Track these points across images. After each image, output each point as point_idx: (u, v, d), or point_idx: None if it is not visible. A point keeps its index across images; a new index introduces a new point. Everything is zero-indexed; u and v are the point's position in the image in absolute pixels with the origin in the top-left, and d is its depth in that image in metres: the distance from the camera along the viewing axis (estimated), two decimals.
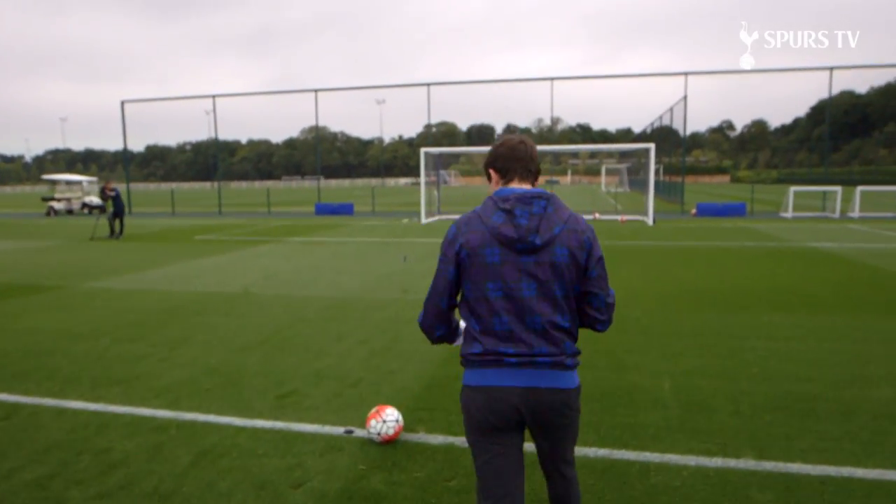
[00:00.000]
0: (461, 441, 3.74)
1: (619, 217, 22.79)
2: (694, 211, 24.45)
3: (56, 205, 30.37)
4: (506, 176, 2.13)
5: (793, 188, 23.90)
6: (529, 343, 2.01)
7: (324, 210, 28.45)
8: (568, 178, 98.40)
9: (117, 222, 17.89)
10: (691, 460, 3.51)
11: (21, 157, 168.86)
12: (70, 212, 30.83)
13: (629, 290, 8.49)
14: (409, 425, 4.00)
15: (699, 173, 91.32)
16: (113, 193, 17.82)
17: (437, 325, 2.18)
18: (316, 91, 31.25)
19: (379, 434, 3.72)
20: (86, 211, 31.12)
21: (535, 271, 2.00)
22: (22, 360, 5.62)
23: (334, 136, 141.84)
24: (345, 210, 28.26)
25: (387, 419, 3.73)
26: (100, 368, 5.32)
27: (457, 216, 18.81)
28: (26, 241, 17.28)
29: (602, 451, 3.62)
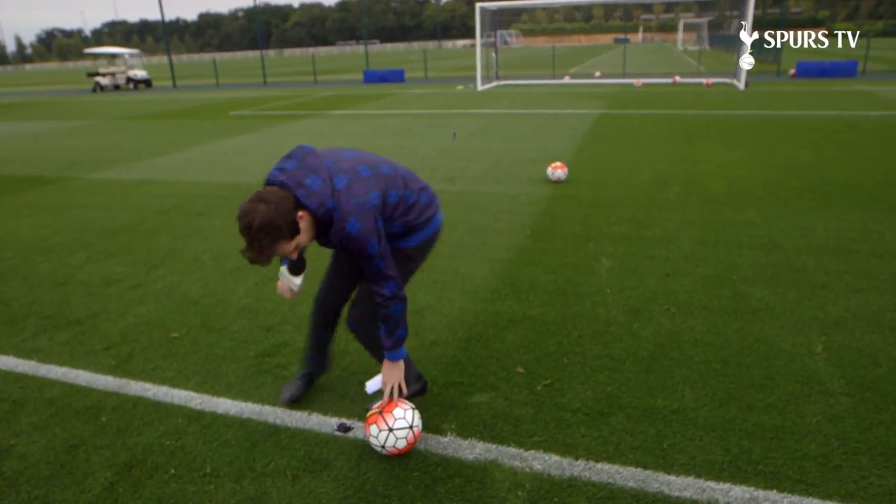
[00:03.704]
0: (512, 455, 2.42)
1: (703, 80, 19.91)
2: (793, 71, 21.12)
3: (102, 80, 29.39)
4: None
5: None
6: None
7: (372, 77, 26.39)
8: (639, 36, 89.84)
9: None
10: None
11: (80, 31, 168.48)
12: (117, 87, 29.89)
13: (732, 180, 6.69)
14: (433, 421, 2.70)
15: (789, 27, 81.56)
16: None
17: None
18: None
19: (383, 447, 2.43)
20: (130, 86, 30.13)
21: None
22: None
23: None
24: (395, 77, 26.12)
25: (394, 426, 2.41)
26: (56, 301, 4.20)
27: (517, 82, 16.39)
28: (61, 121, 16.40)
29: (738, 493, 2.21)
